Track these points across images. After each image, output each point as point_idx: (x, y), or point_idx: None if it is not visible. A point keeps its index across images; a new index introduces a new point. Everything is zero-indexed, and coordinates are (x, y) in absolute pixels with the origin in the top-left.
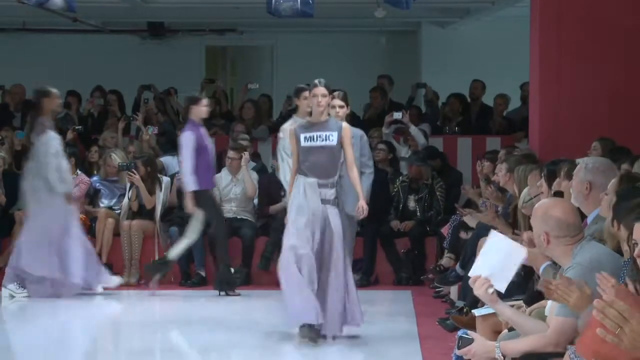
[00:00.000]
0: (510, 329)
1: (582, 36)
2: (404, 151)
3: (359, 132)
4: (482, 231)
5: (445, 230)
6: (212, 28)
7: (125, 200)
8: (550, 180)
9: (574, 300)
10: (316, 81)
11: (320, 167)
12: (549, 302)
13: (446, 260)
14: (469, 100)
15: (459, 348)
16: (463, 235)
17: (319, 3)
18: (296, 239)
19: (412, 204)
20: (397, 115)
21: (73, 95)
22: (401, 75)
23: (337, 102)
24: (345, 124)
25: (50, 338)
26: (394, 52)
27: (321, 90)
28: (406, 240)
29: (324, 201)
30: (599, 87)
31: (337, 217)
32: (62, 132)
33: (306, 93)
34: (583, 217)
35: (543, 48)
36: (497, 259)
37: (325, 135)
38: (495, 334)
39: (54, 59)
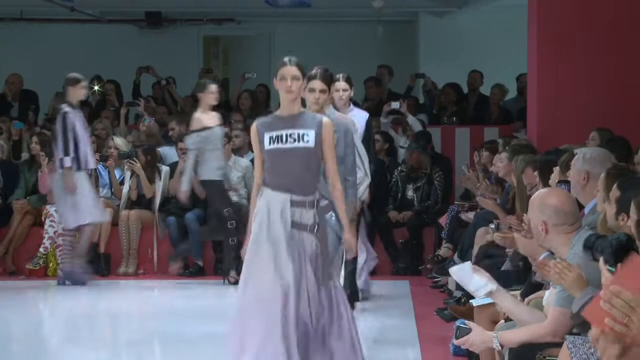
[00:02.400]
0: (508, 319)
1: (580, 26)
2: (402, 141)
3: (343, 123)
4: (480, 221)
5: (443, 220)
6: (209, 17)
7: (125, 189)
8: (543, 172)
9: (570, 280)
10: (285, 59)
11: (293, 178)
12: (547, 292)
13: (444, 250)
14: (466, 90)
15: (456, 338)
16: (464, 217)
17: None
18: (260, 290)
19: (410, 193)
20: (395, 104)
21: None
22: (399, 65)
23: (341, 84)
24: (325, 119)
25: (46, 327)
26: (391, 42)
27: (291, 70)
28: (404, 231)
29: (297, 226)
30: (597, 77)
31: (318, 248)
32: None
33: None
34: (581, 207)
35: (541, 38)
36: (468, 284)
37: (299, 135)
38: (493, 323)
39: (52, 49)
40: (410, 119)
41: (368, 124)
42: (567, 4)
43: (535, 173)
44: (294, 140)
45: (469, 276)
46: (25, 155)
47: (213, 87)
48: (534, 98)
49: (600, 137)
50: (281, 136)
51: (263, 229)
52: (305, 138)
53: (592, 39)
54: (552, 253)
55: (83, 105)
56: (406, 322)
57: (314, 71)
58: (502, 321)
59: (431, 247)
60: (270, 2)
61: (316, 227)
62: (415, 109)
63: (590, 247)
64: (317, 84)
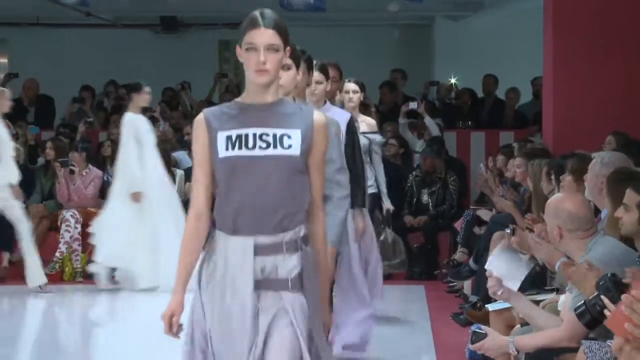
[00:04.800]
0: (524, 324)
1: (596, 29)
2: (418, 145)
3: (333, 123)
4: (496, 226)
5: (459, 225)
6: (225, 22)
7: None
8: (558, 175)
9: (590, 287)
10: (255, 14)
11: (263, 207)
12: (562, 297)
13: (459, 255)
14: (481, 94)
15: (472, 343)
16: (477, 230)
17: None
18: None
19: (425, 197)
20: (413, 105)
21: (87, 90)
22: (414, 69)
23: (351, 85)
24: (318, 114)
25: (61, 333)
26: (407, 46)
27: (265, 35)
28: (419, 235)
29: (272, 284)
30: (612, 81)
31: (308, 316)
32: (74, 127)
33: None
34: (597, 211)
35: (556, 42)
36: (505, 267)
37: (275, 136)
38: (508, 328)
39: (68, 54)
40: (428, 120)
41: (350, 125)
42: (582, 8)
43: (552, 177)
44: (268, 145)
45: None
46: (41, 160)
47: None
48: (549, 102)
49: (617, 141)
50: (246, 137)
51: (211, 312)
52: (287, 142)
53: (607, 43)
54: (569, 258)
55: (99, 110)
56: (421, 327)
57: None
58: (518, 326)
59: (446, 252)
60: (285, 6)
61: (300, 281)
62: (431, 114)
63: (585, 311)
64: (314, 76)
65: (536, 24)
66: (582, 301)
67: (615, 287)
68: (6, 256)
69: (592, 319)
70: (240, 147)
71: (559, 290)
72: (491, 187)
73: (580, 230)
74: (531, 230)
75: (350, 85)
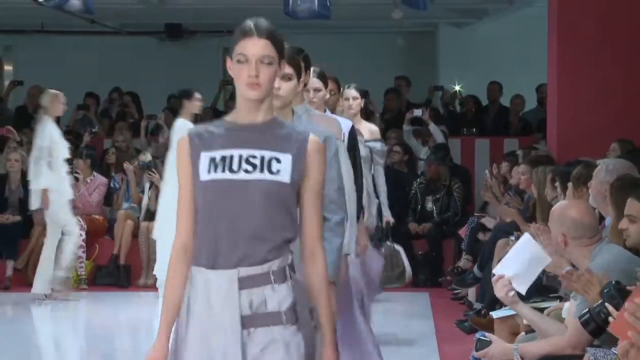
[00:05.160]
0: (528, 331)
1: (600, 36)
2: (422, 152)
3: (331, 140)
4: (500, 233)
5: (463, 232)
6: (229, 29)
7: (145, 200)
8: (565, 183)
9: (594, 294)
10: (249, 23)
11: (247, 235)
12: (567, 304)
13: (464, 262)
14: (485, 101)
15: (476, 350)
16: (481, 236)
17: (336, 5)
18: None
19: (429, 205)
20: (418, 112)
21: (91, 97)
22: (418, 76)
23: (351, 92)
24: (313, 137)
25: (67, 340)
26: (411, 53)
27: (258, 45)
28: (424, 242)
29: (262, 319)
30: (617, 88)
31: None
32: (79, 134)
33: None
34: (601, 219)
35: (561, 48)
36: (522, 262)
37: (263, 159)
38: (513, 336)
39: (73, 61)
40: (432, 127)
41: (352, 135)
42: (587, 15)
43: (557, 184)
44: (254, 168)
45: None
46: None
47: (197, 95)
48: (553, 109)
49: (621, 148)
50: (231, 159)
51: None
52: (275, 166)
53: (612, 50)
54: (574, 265)
55: (103, 117)
56: (426, 334)
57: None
58: (523, 333)
59: (451, 259)
60: (290, 14)
61: (294, 313)
62: (435, 121)
63: (590, 320)
64: (313, 83)
65: (540, 31)
66: (587, 309)
67: (619, 294)
68: (10, 264)
69: (596, 327)
70: (223, 170)
71: (563, 298)
72: (496, 194)
73: (585, 238)
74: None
75: (351, 92)
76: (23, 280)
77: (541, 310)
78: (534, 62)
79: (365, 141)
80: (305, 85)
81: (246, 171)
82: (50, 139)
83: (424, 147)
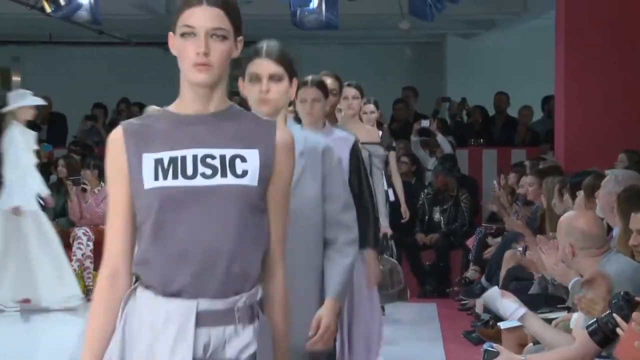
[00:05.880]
0: (536, 342)
1: (608, 48)
2: (430, 163)
3: (321, 144)
4: (508, 243)
5: (471, 242)
6: None
7: None
8: (573, 193)
9: (599, 311)
10: None
11: (208, 257)
12: (574, 315)
13: (472, 272)
14: (492, 112)
15: None
16: (490, 241)
17: (344, 15)
18: None
19: (437, 215)
20: (425, 123)
21: (99, 108)
22: (426, 87)
23: (351, 91)
24: (282, 129)
25: (75, 351)
26: (419, 63)
27: (203, 13)
28: (431, 253)
29: None
30: (624, 99)
31: None
32: (87, 145)
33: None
34: (609, 229)
35: (568, 60)
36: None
37: (224, 159)
38: (521, 347)
39: (80, 72)
40: (440, 137)
41: (354, 151)
42: (594, 26)
43: (565, 195)
44: (214, 172)
45: (498, 301)
46: (53, 178)
47: None
48: (561, 120)
49: (629, 158)
50: (183, 161)
51: None
52: (240, 166)
53: (619, 61)
54: (582, 276)
55: (111, 127)
56: (433, 345)
57: (306, 78)
58: (531, 344)
59: (458, 270)
60: (297, 24)
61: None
62: (443, 132)
63: (597, 330)
64: (310, 92)
65: (547, 42)
66: (595, 319)
67: (627, 305)
68: None
69: (604, 337)
70: (175, 176)
71: (571, 309)
72: (504, 205)
73: (593, 248)
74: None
75: (351, 91)
76: None
77: (549, 321)
78: (541, 73)
79: (362, 143)
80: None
81: (204, 176)
82: (15, 147)
83: (432, 158)
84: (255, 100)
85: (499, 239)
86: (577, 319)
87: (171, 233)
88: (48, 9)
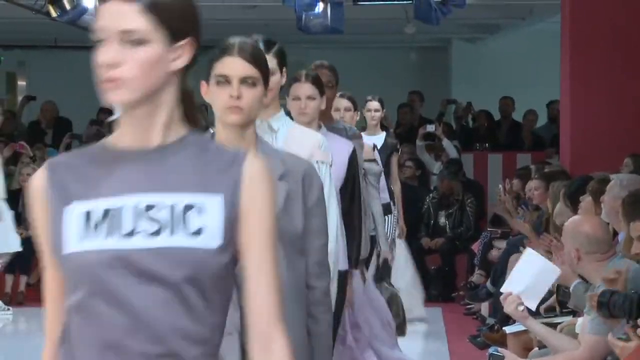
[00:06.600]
0: (541, 347)
1: (613, 52)
2: (435, 167)
3: (300, 167)
4: (513, 248)
5: (476, 247)
6: None
7: None
8: (574, 198)
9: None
10: None
11: (146, 350)
12: (580, 320)
13: (477, 277)
14: (498, 116)
15: None
16: (494, 252)
17: (349, 19)
18: None
19: (442, 220)
20: (430, 127)
21: (105, 112)
22: (431, 91)
23: (374, 104)
24: (252, 158)
25: None
26: (424, 68)
27: (113, 6)
28: (437, 257)
29: None
30: (630, 103)
31: None
32: None
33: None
34: (615, 233)
35: (573, 64)
36: (530, 277)
37: (173, 210)
38: (526, 351)
39: (86, 76)
40: (445, 142)
41: (352, 160)
42: (599, 30)
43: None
44: (160, 229)
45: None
46: None
47: None
48: (566, 124)
49: (634, 163)
50: (117, 214)
51: None
52: (195, 221)
53: (624, 65)
54: (584, 279)
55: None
56: (439, 349)
57: (299, 72)
58: (536, 348)
59: (464, 274)
60: (303, 29)
61: None
62: (448, 136)
63: (605, 303)
64: (304, 89)
65: (553, 46)
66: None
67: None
68: (24, 279)
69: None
70: (107, 234)
71: (576, 313)
72: (509, 209)
73: (598, 253)
74: (549, 252)
75: (373, 104)
76: (37, 295)
77: (555, 325)
78: (546, 77)
79: None
80: (281, 89)
81: (145, 234)
82: None
83: (437, 162)
84: (223, 107)
85: (504, 243)
86: (582, 324)
87: (96, 313)
88: (53, 14)
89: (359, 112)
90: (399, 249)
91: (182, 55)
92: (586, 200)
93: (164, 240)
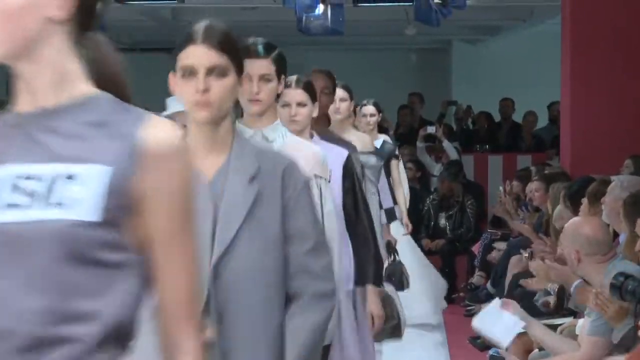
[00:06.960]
0: (542, 348)
1: (614, 53)
2: (436, 169)
3: (281, 163)
4: (513, 249)
5: (476, 248)
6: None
7: None
8: (573, 200)
9: (611, 312)
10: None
11: (14, 333)
12: (580, 321)
13: (477, 278)
14: (498, 118)
15: None
16: (495, 253)
17: (349, 21)
18: None
19: (442, 221)
20: (431, 129)
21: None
22: (432, 93)
23: (369, 108)
24: (160, 126)
25: None
26: (424, 69)
27: None
28: (437, 259)
29: None
30: (630, 105)
31: None
32: None
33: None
34: (615, 235)
35: (574, 66)
36: (499, 326)
37: (49, 180)
38: (526, 353)
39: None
40: (446, 143)
41: (348, 167)
42: (600, 31)
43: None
44: (32, 200)
45: (497, 317)
46: None
47: None
48: (567, 126)
49: (635, 164)
50: None
51: None
52: (68, 191)
53: (625, 66)
54: (585, 281)
55: None
56: (439, 351)
57: (290, 78)
58: (536, 350)
59: (464, 275)
60: (303, 30)
61: None
62: (449, 138)
63: (619, 286)
64: (295, 95)
65: (553, 48)
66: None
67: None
68: None
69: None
70: None
71: (577, 315)
72: (509, 211)
73: (599, 254)
74: (547, 254)
75: (369, 109)
76: None
77: (555, 327)
78: (547, 79)
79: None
80: (278, 96)
81: (15, 207)
82: None
83: (437, 164)
84: (191, 103)
85: (504, 245)
86: (582, 325)
87: None
88: None
89: (365, 101)
90: (405, 250)
91: (61, 1)
92: (586, 202)
93: (34, 214)
